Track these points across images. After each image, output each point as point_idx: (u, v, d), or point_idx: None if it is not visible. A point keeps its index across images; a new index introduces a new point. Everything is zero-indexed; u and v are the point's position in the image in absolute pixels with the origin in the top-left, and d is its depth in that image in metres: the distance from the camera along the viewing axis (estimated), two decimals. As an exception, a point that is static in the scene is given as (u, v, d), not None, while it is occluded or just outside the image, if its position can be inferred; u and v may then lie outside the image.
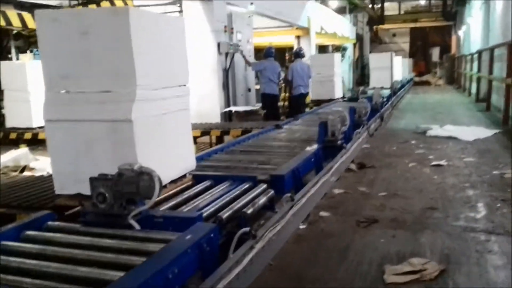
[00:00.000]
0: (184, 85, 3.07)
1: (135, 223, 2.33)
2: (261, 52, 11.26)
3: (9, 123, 9.21)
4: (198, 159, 4.08)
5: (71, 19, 2.59)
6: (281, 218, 2.92)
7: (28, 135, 8.17)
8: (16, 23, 9.30)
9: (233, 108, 8.98)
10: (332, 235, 3.26)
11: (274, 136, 5.70)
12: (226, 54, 9.21)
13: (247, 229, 2.46)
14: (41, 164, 6.32)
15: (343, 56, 21.24)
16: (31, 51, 10.23)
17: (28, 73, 8.57)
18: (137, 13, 2.58)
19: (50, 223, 2.50)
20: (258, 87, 10.40)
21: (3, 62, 9.46)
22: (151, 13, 2.87)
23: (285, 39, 15.84)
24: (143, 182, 2.31)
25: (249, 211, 2.65)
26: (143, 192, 2.31)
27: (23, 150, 7.07)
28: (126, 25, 2.47)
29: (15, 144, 8.22)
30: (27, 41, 10.48)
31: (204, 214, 2.55)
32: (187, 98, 3.12)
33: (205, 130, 7.41)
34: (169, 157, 2.86)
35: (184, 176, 3.11)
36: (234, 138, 6.74)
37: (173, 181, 2.97)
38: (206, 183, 3.21)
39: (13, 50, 10.29)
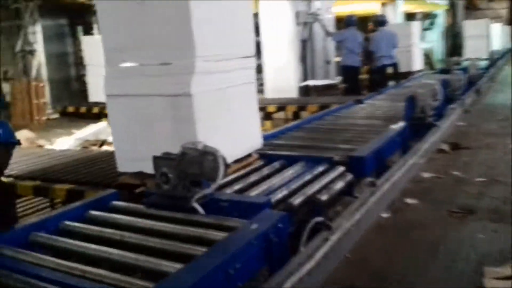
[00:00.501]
0: (250, 57, 2.85)
1: (199, 207, 2.20)
2: (342, 22, 10.70)
3: (92, 97, 9.66)
4: (271, 136, 3.89)
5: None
6: (361, 205, 2.65)
7: (108, 110, 8.47)
8: (96, -2, 9.55)
9: (310, 82, 8.64)
10: (420, 226, 2.91)
11: (355, 112, 5.35)
12: (304, 24, 8.83)
13: (321, 218, 2.23)
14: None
15: (432, 24, 19.81)
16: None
17: (107, 48, 8.84)
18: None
19: (114, 202, 2.44)
20: (338, 59, 9.93)
21: (84, 37, 9.87)
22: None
23: (369, 7, 14.98)
24: (207, 163, 2.15)
25: (324, 198, 2.41)
26: (207, 173, 2.16)
27: (103, 124, 7.33)
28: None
29: (98, 118, 8.56)
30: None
31: (273, 199, 2.34)
32: (253, 70, 2.90)
33: (281, 106, 7.19)
34: (232, 134, 2.70)
35: (249, 155, 2.93)
36: (311, 114, 6.46)
37: (238, 160, 2.80)
38: (277, 164, 3.00)
39: (95, 26, 10.70)
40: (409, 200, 3.42)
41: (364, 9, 14.61)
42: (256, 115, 3.00)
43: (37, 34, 9.15)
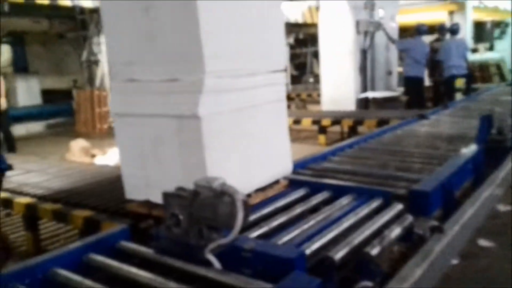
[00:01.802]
0: (278, 71, 2.32)
1: (213, 259, 1.70)
2: (406, 32, 9.87)
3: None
4: (318, 159, 3.32)
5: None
6: (423, 259, 2.02)
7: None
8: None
9: (370, 94, 7.92)
10: (497, 278, 2.24)
11: (417, 129, 4.63)
12: (365, 33, 8.15)
13: (369, 284, 1.65)
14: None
15: (504, 33, 18.29)
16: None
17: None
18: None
19: (122, 243, 2.01)
20: (401, 69, 9.12)
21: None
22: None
23: (435, 16, 13.91)
24: (223, 207, 1.65)
25: (374, 251, 1.82)
26: (222, 219, 1.66)
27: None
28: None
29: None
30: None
31: (308, 250, 1.80)
32: (282, 86, 2.38)
33: (336, 119, 6.55)
34: (253, 160, 2.24)
35: (276, 182, 2.43)
36: (369, 130, 5.80)
37: (261, 189, 2.34)
38: (321, 196, 2.44)
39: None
40: (483, 242, 2.71)
41: (429, 19, 13.60)
42: (286, 137, 2.48)
43: (101, 45, 9.14)
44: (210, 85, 1.88)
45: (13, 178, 3.65)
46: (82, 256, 1.87)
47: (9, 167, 1.97)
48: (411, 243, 2.16)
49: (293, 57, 15.40)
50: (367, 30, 8.14)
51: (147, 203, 2.16)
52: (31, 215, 2.96)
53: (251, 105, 2.14)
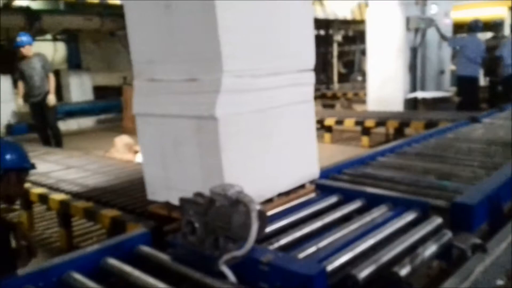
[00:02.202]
0: (306, 71, 2.18)
1: (228, 271, 1.61)
2: (462, 29, 9.35)
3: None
4: (357, 163, 3.14)
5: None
6: (463, 279, 1.83)
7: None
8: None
9: (419, 94, 7.54)
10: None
11: (468, 133, 4.32)
12: (416, 30, 7.77)
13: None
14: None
15: None
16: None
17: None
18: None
19: (141, 247, 1.96)
20: (453, 67, 8.65)
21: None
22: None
23: (494, 12, 13.11)
24: (237, 216, 1.56)
25: (404, 272, 1.66)
26: (236, 229, 1.56)
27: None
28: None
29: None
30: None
31: (331, 266, 1.66)
32: (310, 87, 2.25)
33: (380, 120, 6.28)
34: (275, 163, 2.13)
35: (302, 186, 2.32)
36: (416, 132, 5.51)
37: (284, 193, 2.23)
38: (352, 205, 2.28)
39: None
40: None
41: (489, 14, 12.83)
42: (313, 140, 2.34)
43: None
44: (228, 85, 1.81)
45: (53, 174, 3.75)
46: (100, 260, 1.84)
47: (32, 166, 1.97)
48: (449, 261, 1.96)
49: (341, 55, 15.05)
50: (418, 27, 7.76)
51: (167, 205, 2.12)
52: (64, 212, 3.00)
53: (274, 106, 2.05)
